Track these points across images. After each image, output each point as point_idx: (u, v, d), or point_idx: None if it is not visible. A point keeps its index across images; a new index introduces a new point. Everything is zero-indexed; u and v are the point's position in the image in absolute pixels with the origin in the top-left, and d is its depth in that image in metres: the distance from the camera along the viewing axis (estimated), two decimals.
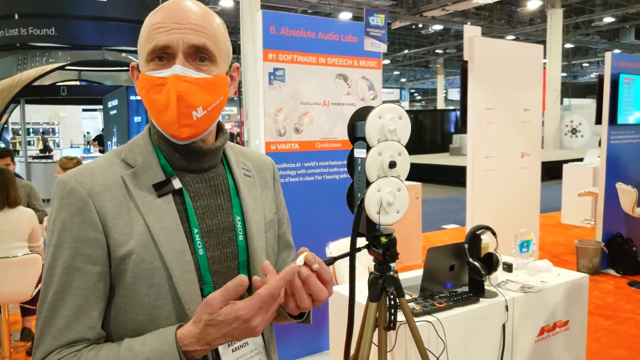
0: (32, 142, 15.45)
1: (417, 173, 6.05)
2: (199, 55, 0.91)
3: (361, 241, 1.50)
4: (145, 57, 0.91)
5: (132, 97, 7.92)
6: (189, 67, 0.89)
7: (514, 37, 19.18)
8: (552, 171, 11.72)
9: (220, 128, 1.02)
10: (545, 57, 15.05)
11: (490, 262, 2.23)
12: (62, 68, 10.69)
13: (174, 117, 0.89)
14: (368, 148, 1.44)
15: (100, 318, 0.88)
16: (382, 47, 3.49)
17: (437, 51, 25.14)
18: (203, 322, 0.80)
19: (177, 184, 0.94)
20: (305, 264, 0.89)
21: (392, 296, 1.57)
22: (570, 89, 26.57)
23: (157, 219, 0.90)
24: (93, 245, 0.87)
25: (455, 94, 33.37)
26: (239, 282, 0.81)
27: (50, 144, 15.86)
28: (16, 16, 9.88)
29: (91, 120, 19.59)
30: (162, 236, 0.89)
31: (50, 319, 0.86)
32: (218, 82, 0.93)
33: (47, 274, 0.88)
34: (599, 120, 5.22)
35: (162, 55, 0.90)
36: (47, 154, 13.68)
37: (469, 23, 17.07)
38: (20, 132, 12.23)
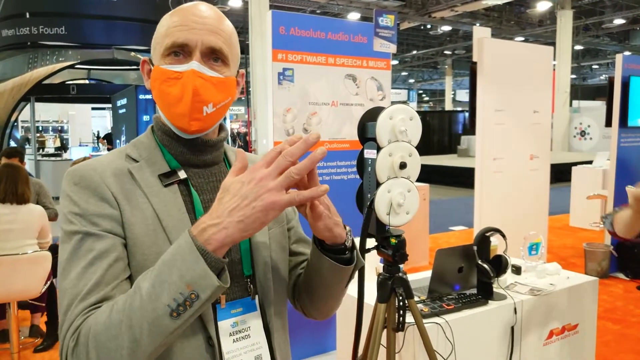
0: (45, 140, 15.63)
1: (425, 174, 6.03)
2: (214, 56, 0.96)
3: (370, 242, 1.50)
4: (162, 52, 0.95)
5: (141, 96, 7.92)
6: (204, 65, 0.94)
7: (523, 39, 19.07)
8: (560, 173, 11.65)
9: (220, 126, 1.06)
10: (554, 59, 14.95)
11: (499, 265, 2.22)
12: (72, 67, 10.75)
13: (186, 110, 0.93)
14: (378, 149, 1.44)
15: (128, 286, 0.86)
16: (392, 48, 3.49)
17: (445, 52, 25.04)
18: (218, 196, 0.81)
19: (182, 174, 0.97)
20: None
21: (401, 297, 1.57)
22: (580, 91, 26.36)
23: (165, 206, 0.93)
24: (112, 220, 0.88)
25: (463, 95, 33.24)
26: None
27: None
28: (27, 15, 9.96)
29: (100, 119, 19.69)
30: (170, 222, 0.92)
31: (76, 289, 0.82)
32: (229, 83, 0.98)
33: (70, 256, 0.85)
34: (609, 123, 5.18)
35: (179, 51, 0.94)
36: (62, 152, 13.86)
37: (477, 24, 16.98)
38: (30, 129, 12.33)
